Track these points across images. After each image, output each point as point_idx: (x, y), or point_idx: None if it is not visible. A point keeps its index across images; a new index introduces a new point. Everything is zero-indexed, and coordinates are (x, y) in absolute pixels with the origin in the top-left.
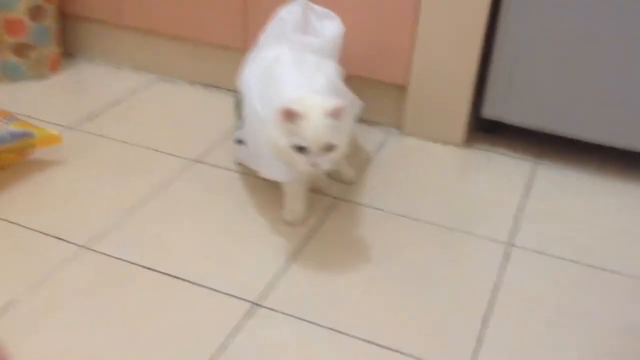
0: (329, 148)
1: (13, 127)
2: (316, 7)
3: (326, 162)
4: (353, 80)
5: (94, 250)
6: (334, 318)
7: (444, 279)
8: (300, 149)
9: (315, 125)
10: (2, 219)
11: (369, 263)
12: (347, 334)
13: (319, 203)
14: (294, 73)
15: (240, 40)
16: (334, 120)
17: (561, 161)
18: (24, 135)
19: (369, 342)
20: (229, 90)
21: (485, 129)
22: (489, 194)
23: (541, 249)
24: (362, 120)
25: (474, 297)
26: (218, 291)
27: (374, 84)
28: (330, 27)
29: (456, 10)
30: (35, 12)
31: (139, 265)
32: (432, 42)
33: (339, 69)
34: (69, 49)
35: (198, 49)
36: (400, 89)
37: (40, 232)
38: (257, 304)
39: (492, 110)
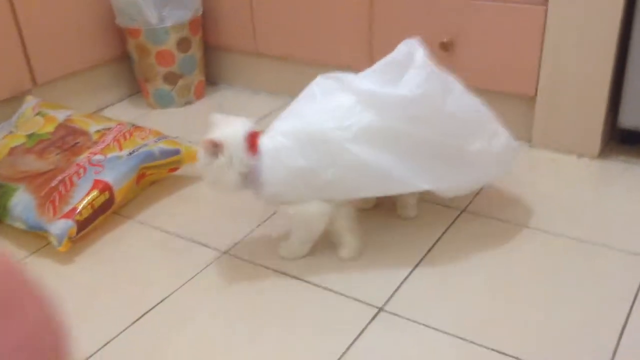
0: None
1: (163, 145)
2: (418, 56)
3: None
4: (479, 93)
5: (233, 256)
6: (458, 325)
7: (578, 290)
8: None
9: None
10: (154, 227)
11: (495, 272)
12: (471, 342)
13: (442, 214)
14: (294, 105)
15: (365, 63)
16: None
17: None
18: (173, 152)
19: (495, 350)
20: None
21: (623, 139)
22: (627, 206)
23: None
24: None
25: (610, 308)
26: (345, 295)
27: (500, 96)
28: (408, 82)
29: (587, 15)
30: (183, 44)
31: (270, 269)
32: (561, 51)
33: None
34: (211, 77)
35: (326, 71)
36: (529, 100)
37: (186, 238)
38: (382, 309)
39: (629, 119)
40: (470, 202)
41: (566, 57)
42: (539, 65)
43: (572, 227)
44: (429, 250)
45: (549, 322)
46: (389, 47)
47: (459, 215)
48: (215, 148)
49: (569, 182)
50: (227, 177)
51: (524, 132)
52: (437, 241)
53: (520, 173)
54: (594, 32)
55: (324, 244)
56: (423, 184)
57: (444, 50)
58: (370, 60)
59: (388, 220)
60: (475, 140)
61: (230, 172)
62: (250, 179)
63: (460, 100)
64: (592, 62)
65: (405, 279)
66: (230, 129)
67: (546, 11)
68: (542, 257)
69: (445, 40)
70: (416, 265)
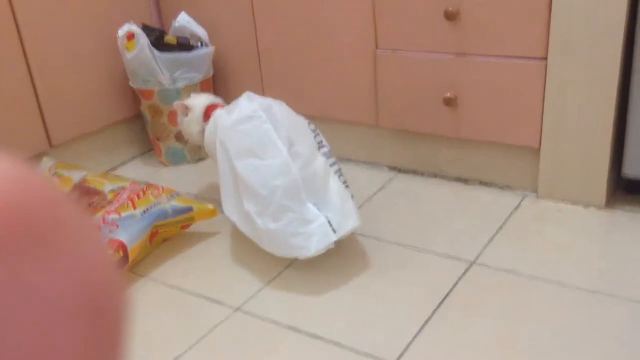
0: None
1: (176, 203)
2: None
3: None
4: (484, 146)
5: (246, 312)
6: None
7: (588, 342)
8: None
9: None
10: (166, 284)
11: (505, 325)
12: None
13: (453, 266)
14: None
15: (371, 119)
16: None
17: None
18: (186, 210)
19: None
20: (358, 161)
21: (629, 189)
22: (635, 255)
23: None
24: (494, 184)
25: None
26: (357, 351)
27: (506, 149)
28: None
29: (586, 68)
30: None
31: (282, 325)
32: (562, 103)
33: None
34: None
35: (333, 127)
36: (534, 152)
37: (198, 296)
38: None
39: (633, 169)
40: (480, 255)
41: (568, 109)
42: (542, 118)
43: (581, 278)
44: (440, 304)
45: None
46: (394, 103)
47: (469, 268)
48: (186, 110)
49: (576, 232)
50: (191, 130)
51: (531, 184)
52: (448, 294)
53: (528, 224)
54: (594, 84)
55: (336, 300)
56: (225, 207)
57: (448, 106)
58: (376, 117)
59: (397, 272)
60: (248, 203)
61: (193, 127)
62: (202, 135)
63: (251, 166)
64: (594, 113)
65: (418, 333)
66: (199, 99)
67: (546, 66)
68: (552, 309)
69: (449, 95)
70: (428, 320)
